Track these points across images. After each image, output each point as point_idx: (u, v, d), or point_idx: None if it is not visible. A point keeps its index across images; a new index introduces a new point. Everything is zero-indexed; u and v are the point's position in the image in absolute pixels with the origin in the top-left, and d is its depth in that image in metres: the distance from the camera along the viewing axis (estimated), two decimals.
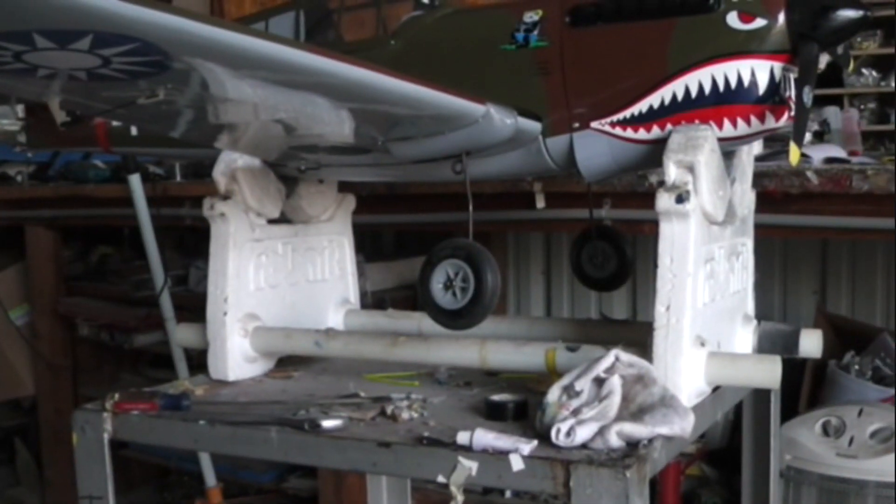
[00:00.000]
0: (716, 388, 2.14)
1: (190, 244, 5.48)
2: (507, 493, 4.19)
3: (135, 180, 4.39)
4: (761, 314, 2.50)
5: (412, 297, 4.55)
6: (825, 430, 3.45)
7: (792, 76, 2.04)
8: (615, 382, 1.92)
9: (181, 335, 2.75)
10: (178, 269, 5.10)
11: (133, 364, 6.02)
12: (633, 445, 1.85)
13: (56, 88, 1.90)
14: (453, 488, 1.90)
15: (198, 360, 2.67)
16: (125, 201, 4.50)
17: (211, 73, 1.77)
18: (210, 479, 4.66)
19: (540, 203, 3.59)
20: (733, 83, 2.03)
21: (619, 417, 1.88)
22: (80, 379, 5.92)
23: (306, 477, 4.89)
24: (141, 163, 4.54)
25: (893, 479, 3.26)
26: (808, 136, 3.80)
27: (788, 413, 3.50)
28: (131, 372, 5.97)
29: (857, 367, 3.76)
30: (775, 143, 3.26)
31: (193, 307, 3.93)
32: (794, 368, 3.66)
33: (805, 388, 3.82)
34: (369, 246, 5.16)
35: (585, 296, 4.99)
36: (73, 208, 5.32)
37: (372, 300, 4.21)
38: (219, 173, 2.56)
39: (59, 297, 5.81)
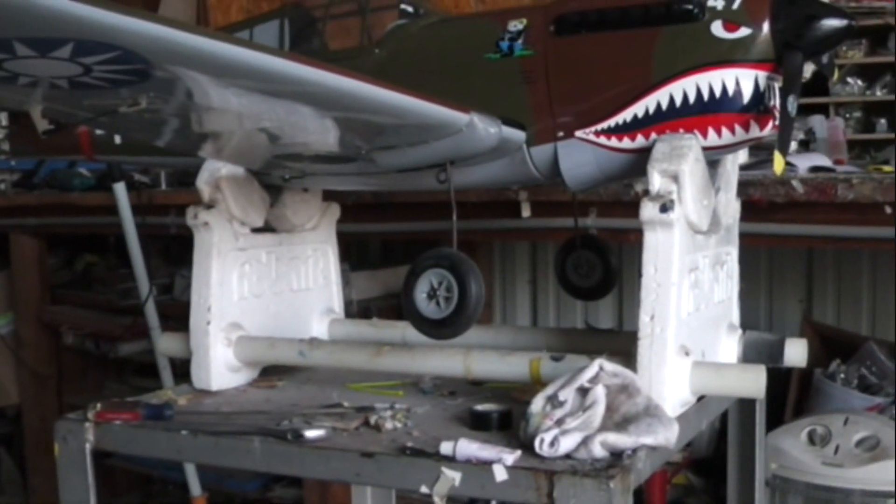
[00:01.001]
0: (700, 398, 2.14)
1: (175, 253, 5.46)
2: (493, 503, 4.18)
3: (120, 189, 4.37)
4: (747, 323, 2.50)
5: (398, 305, 4.52)
6: (811, 439, 3.45)
7: (776, 85, 2.04)
8: (599, 392, 1.92)
9: (164, 344, 2.74)
10: (163, 278, 5.08)
11: (118, 373, 5.99)
12: (617, 456, 1.84)
13: (38, 97, 1.89)
14: (437, 499, 1.89)
15: (183, 369, 2.67)
16: (110, 209, 4.48)
17: (193, 82, 1.76)
18: (195, 488, 4.63)
19: (526, 212, 3.59)
20: (718, 92, 2.03)
21: (603, 427, 1.88)
22: (64, 387, 5.88)
23: (292, 486, 4.87)
24: (126, 171, 4.52)
25: (879, 488, 3.27)
26: (793, 145, 3.80)
27: (774, 422, 3.50)
28: (116, 381, 5.95)
29: (842, 375, 3.76)
30: (761, 152, 3.26)
31: (179, 316, 3.91)
32: (780, 377, 3.66)
33: (791, 396, 3.82)
34: (355, 254, 5.14)
35: (571, 305, 4.98)
36: (58, 216, 5.29)
37: (357, 309, 4.20)
38: (202, 182, 2.55)
39: (44, 306, 5.78)
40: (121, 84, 1.74)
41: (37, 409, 5.82)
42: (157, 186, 4.85)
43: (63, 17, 1.43)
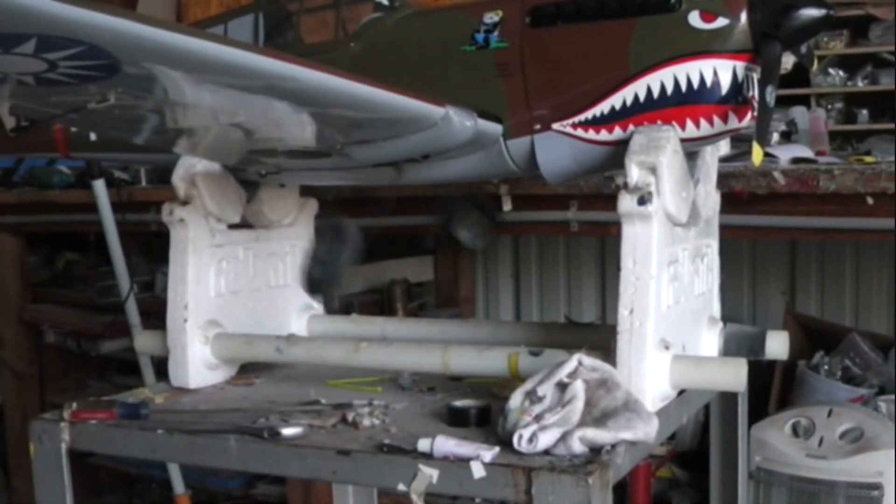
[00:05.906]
0: (681, 392, 2.12)
1: (156, 250, 5.43)
2: (478, 500, 4.16)
3: (99, 186, 4.33)
4: (730, 316, 2.48)
5: (380, 301, 4.53)
6: (795, 431, 3.44)
7: (755, 76, 2.03)
8: (578, 387, 1.90)
9: (142, 343, 2.72)
10: (144, 275, 5.05)
11: (100, 371, 5.96)
12: (596, 451, 1.82)
13: (5, 94, 1.86)
14: (414, 497, 1.87)
15: (165, 367, 2.65)
16: (90, 207, 4.44)
17: (161, 77, 1.73)
18: (178, 486, 4.62)
19: (506, 206, 3.57)
20: (696, 83, 2.01)
21: (582, 423, 1.86)
22: (46, 386, 5.84)
23: (275, 483, 4.85)
24: (106, 168, 4.49)
25: (863, 480, 3.26)
26: (775, 137, 3.80)
27: (758, 414, 3.48)
28: (98, 379, 5.92)
29: (826, 367, 3.75)
30: (742, 144, 3.24)
31: (159, 313, 3.87)
32: (763, 369, 3.65)
33: (775, 388, 3.81)
34: None
35: (554, 299, 4.98)
36: (38, 214, 5.25)
37: (339, 304, 4.18)
38: (178, 178, 2.52)
39: (25, 304, 5.74)
40: (88, 80, 1.71)
41: (18, 409, 5.77)
42: (138, 183, 4.82)
43: (24, 11, 1.40)
